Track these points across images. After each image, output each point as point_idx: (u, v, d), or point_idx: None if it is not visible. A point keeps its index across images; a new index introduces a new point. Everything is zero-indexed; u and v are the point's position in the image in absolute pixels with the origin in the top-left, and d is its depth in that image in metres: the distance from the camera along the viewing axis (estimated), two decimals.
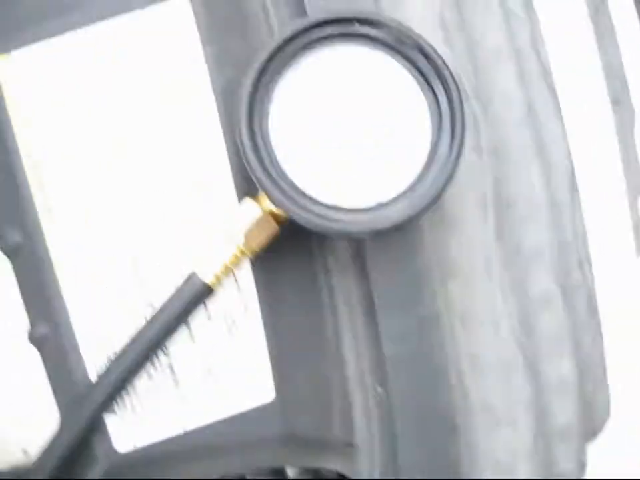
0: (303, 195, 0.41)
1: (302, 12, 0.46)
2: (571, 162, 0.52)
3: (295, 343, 0.46)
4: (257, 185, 0.41)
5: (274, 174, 0.41)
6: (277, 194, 0.40)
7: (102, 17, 0.45)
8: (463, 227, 0.47)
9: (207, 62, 0.45)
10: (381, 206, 0.42)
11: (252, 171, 0.40)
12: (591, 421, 0.51)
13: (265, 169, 0.41)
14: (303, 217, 0.40)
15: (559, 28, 0.56)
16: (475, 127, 0.48)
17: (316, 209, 0.41)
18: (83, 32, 0.44)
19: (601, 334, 0.52)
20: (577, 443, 0.49)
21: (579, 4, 0.58)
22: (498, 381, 0.47)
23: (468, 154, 0.47)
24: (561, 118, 0.52)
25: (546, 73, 0.52)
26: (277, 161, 0.41)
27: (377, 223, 0.40)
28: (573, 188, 0.52)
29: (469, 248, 0.47)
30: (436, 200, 0.41)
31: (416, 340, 0.46)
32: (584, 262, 0.51)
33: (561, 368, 0.49)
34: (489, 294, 0.47)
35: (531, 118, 0.51)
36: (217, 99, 0.45)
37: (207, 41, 0.45)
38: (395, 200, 0.42)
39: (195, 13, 0.45)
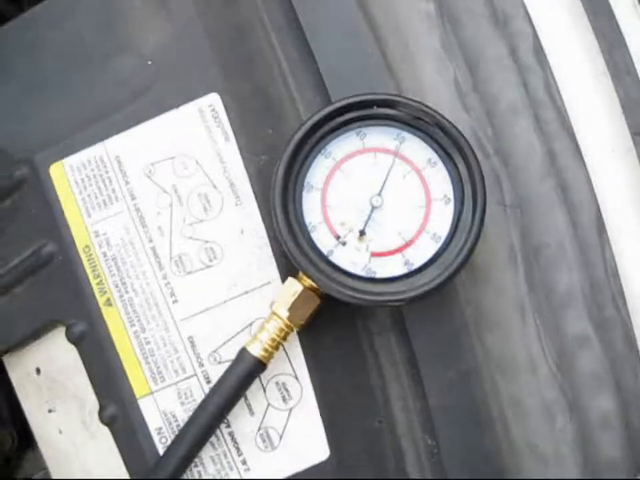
0: (337, 269, 0.44)
1: (326, 96, 0.49)
2: (596, 202, 0.54)
3: (345, 403, 0.49)
4: (294, 264, 0.44)
5: (309, 252, 0.44)
6: (312, 271, 0.44)
7: (139, 120, 0.49)
8: (495, 279, 0.50)
9: (240, 153, 0.48)
10: (412, 274, 0.44)
11: (288, 251, 0.44)
12: (638, 454, 0.53)
13: (300, 248, 0.44)
14: (338, 292, 0.43)
15: (572, 69, 0.57)
16: (497, 183, 0.50)
17: (350, 282, 0.44)
18: (123, 136, 0.48)
19: None
20: (625, 476, 0.51)
21: (589, 42, 0.59)
22: (542, 423, 0.49)
23: (493, 209, 0.50)
24: (582, 160, 0.54)
25: (563, 118, 0.54)
26: (310, 240, 0.45)
27: (410, 292, 0.43)
28: (600, 227, 0.54)
29: (502, 299, 0.50)
30: (464, 265, 0.44)
31: (459, 392, 0.49)
32: (617, 297, 0.53)
33: (603, 404, 0.51)
34: (525, 341, 0.49)
35: (552, 166, 0.53)
36: (252, 186, 0.48)
37: (238, 132, 0.49)
38: (424, 267, 0.44)
39: (226, 107, 0.49)
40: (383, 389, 0.49)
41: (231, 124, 0.49)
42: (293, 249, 0.43)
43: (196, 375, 0.48)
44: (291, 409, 0.48)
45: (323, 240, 0.45)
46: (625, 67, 0.63)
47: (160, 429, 0.47)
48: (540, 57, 0.54)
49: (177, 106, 0.49)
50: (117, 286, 0.48)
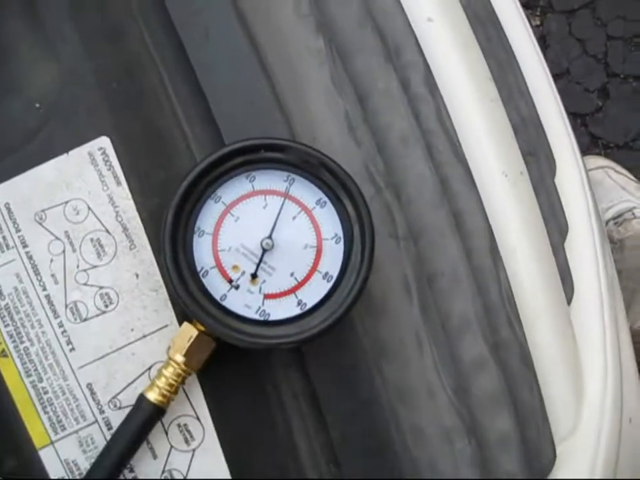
0: (229, 313, 0.45)
1: (217, 132, 0.49)
2: (489, 227, 0.56)
3: (247, 439, 0.49)
4: (185, 311, 0.45)
5: (200, 298, 0.44)
6: (204, 317, 0.44)
7: (28, 166, 0.48)
8: (390, 310, 0.51)
9: (132, 196, 0.48)
10: (305, 315, 0.45)
11: (178, 297, 0.44)
12: (537, 465, 0.55)
13: (191, 294, 0.44)
14: (230, 337, 0.44)
15: (462, 95, 0.59)
16: (389, 216, 0.51)
17: (243, 326, 0.44)
18: (12, 183, 0.48)
19: (537, 384, 0.55)
20: None
21: (480, 66, 0.61)
22: (441, 447, 0.51)
23: (385, 241, 0.51)
24: (474, 186, 0.56)
25: (455, 147, 0.56)
26: (202, 285, 0.45)
27: (302, 334, 0.44)
28: (494, 252, 0.56)
29: (397, 329, 0.51)
30: (354, 304, 0.45)
31: (360, 421, 0.50)
32: (512, 318, 0.55)
33: (501, 423, 0.53)
34: (422, 370, 0.51)
35: (444, 194, 0.54)
36: (145, 230, 0.48)
37: (130, 175, 0.48)
38: (317, 307, 0.45)
39: (117, 150, 0.48)
40: (285, 422, 0.49)
41: (122, 167, 0.48)
42: (183, 295, 0.43)
43: (97, 421, 0.48)
44: (194, 450, 0.48)
45: (215, 284, 0.45)
46: (517, 87, 0.65)
47: (62, 479, 0.47)
48: (431, 86, 0.56)
49: (67, 150, 0.48)
50: (11, 336, 0.48)
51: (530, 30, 0.73)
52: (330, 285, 0.45)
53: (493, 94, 0.60)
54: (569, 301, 0.58)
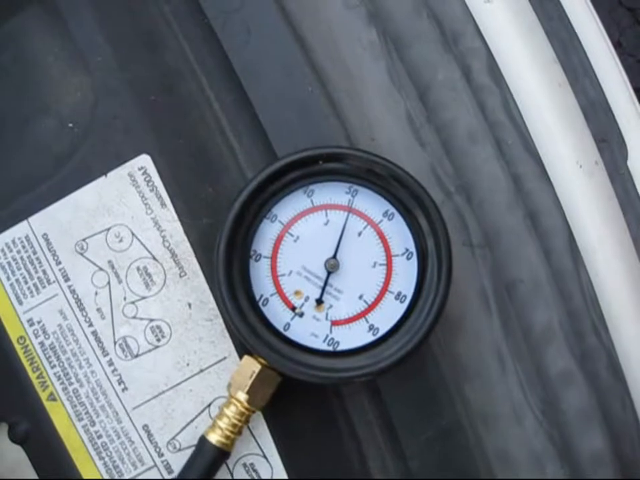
0: (294, 345, 0.40)
1: (267, 143, 0.44)
2: (567, 225, 0.50)
3: (320, 475, 0.45)
4: (245, 345, 0.40)
5: (260, 329, 0.40)
6: (266, 352, 0.40)
7: (65, 192, 0.44)
8: (468, 326, 0.46)
9: (179, 218, 0.44)
10: (378, 342, 0.40)
11: (236, 330, 0.40)
12: None
13: (250, 326, 0.40)
14: (297, 372, 0.40)
15: (528, 82, 0.54)
16: (462, 222, 0.46)
17: (310, 359, 0.40)
18: (49, 211, 0.44)
19: (629, 396, 0.50)
20: None
21: (545, 48, 0.55)
22: (532, 474, 0.46)
23: (460, 250, 0.46)
24: (549, 182, 0.51)
25: (525, 140, 0.50)
26: (262, 315, 0.41)
27: (376, 365, 0.40)
28: (574, 251, 0.50)
29: (477, 346, 0.46)
30: (434, 327, 0.40)
31: (440, 450, 0.45)
32: (598, 324, 0.50)
33: (593, 442, 0.48)
34: (506, 389, 0.46)
35: (519, 193, 0.49)
36: (195, 255, 0.44)
37: (175, 195, 0.44)
38: (391, 333, 0.41)
39: (159, 168, 0.44)
40: (358, 453, 0.45)
41: (166, 187, 0.44)
42: (242, 328, 0.39)
43: (156, 465, 0.44)
44: None
45: (276, 313, 0.41)
46: (582, 68, 0.59)
47: None
48: (495, 74, 0.50)
49: (105, 172, 0.44)
50: (59, 378, 0.44)
51: (589, 3, 0.67)
52: (404, 306, 0.41)
53: (560, 78, 0.55)
54: None
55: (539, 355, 0.48)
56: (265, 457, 0.44)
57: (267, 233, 0.41)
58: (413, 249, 0.41)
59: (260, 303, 0.41)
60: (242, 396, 0.41)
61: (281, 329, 0.41)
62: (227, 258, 0.40)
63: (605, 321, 0.51)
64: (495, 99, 0.50)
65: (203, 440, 0.42)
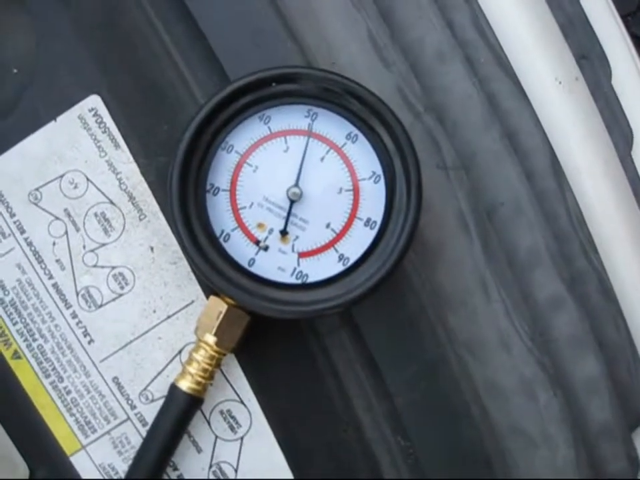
0: (260, 281, 0.38)
1: (222, 72, 0.42)
2: (549, 144, 0.48)
3: (302, 418, 0.43)
4: (207, 284, 0.38)
5: (223, 266, 0.38)
6: (229, 289, 0.37)
7: (13, 141, 0.42)
8: (448, 253, 0.44)
9: (134, 159, 0.41)
10: (349, 271, 0.38)
11: (197, 268, 0.38)
12: (632, 410, 0.48)
13: (211, 264, 0.38)
14: (264, 308, 0.37)
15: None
16: (434, 144, 0.44)
17: (278, 294, 0.37)
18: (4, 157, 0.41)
19: (622, 317, 0.48)
20: (621, 438, 0.46)
21: None
22: (523, 403, 0.44)
23: (432, 174, 0.44)
24: (526, 100, 0.48)
25: (499, 57, 0.48)
26: (224, 251, 0.38)
27: (348, 295, 0.37)
28: (558, 171, 0.48)
29: (459, 274, 0.44)
30: (406, 252, 0.38)
31: (427, 384, 0.43)
32: (587, 247, 0.48)
33: (587, 367, 0.46)
34: (492, 317, 0.44)
35: (495, 112, 0.46)
36: (154, 196, 0.41)
37: (129, 135, 0.42)
38: (361, 262, 0.38)
39: (110, 108, 0.42)
40: (341, 393, 0.43)
41: (119, 127, 0.42)
42: (202, 266, 0.37)
43: (129, 418, 0.42)
44: (242, 438, 0.42)
45: (240, 249, 0.38)
46: None
47: None
48: None
49: (54, 117, 0.41)
50: (22, 335, 0.42)
51: None
52: (374, 232, 0.38)
53: None
54: None
55: (526, 280, 0.45)
56: (242, 402, 0.42)
57: (224, 164, 0.39)
58: (379, 171, 0.38)
59: (221, 239, 0.38)
60: (210, 338, 0.39)
61: (246, 265, 0.38)
62: (181, 193, 0.38)
63: (595, 242, 0.48)
64: (463, 15, 0.48)
65: (173, 388, 0.40)
